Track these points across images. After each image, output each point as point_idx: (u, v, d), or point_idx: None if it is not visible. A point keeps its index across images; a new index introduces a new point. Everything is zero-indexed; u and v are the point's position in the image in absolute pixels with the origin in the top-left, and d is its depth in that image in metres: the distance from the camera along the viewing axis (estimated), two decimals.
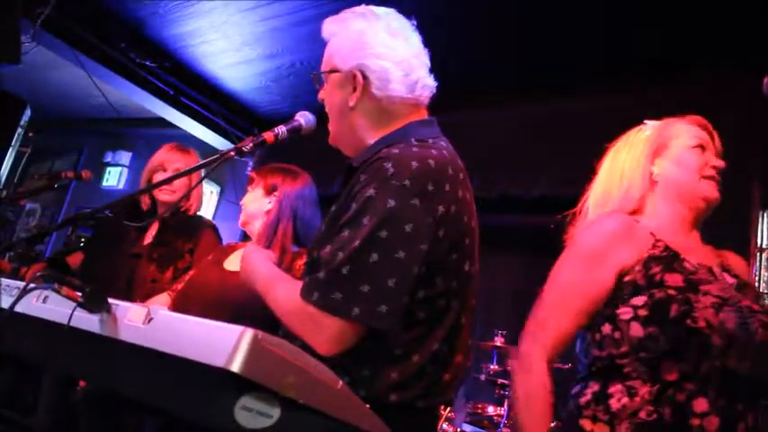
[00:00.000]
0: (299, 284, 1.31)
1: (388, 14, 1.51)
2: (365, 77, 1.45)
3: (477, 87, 3.97)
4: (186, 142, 2.84)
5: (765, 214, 3.25)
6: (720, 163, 1.51)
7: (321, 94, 1.57)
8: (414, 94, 1.47)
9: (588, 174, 1.67)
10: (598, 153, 1.68)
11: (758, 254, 3.16)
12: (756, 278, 3.12)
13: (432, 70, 1.52)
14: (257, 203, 2.27)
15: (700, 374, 1.28)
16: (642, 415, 1.28)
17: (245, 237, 2.63)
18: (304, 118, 1.67)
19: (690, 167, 1.50)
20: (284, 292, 1.37)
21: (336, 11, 1.53)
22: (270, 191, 2.27)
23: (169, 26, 4.15)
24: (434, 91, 1.53)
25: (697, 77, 3.36)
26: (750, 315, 1.30)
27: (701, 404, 1.26)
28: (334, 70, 1.50)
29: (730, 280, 1.43)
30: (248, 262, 1.55)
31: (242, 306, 1.94)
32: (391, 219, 1.24)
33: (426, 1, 3.18)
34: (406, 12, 1.53)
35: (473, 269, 1.43)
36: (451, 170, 1.35)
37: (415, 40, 1.52)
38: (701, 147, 1.52)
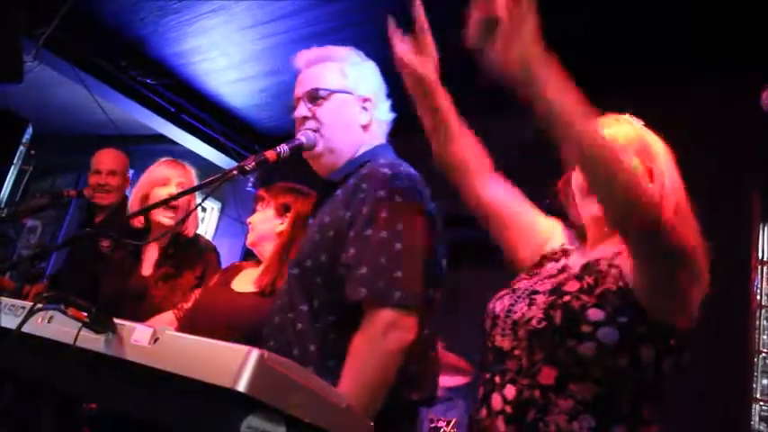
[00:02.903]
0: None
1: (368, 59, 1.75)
2: (367, 100, 1.67)
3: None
4: (187, 159, 2.83)
5: (766, 227, 3.25)
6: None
7: (312, 109, 1.70)
8: (387, 117, 1.73)
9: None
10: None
11: (759, 267, 3.16)
12: (758, 292, 3.12)
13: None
14: (268, 224, 2.22)
15: (483, 353, 1.46)
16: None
17: (247, 254, 2.61)
18: (305, 136, 1.69)
19: None
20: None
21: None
22: (282, 212, 2.22)
23: (170, 44, 4.19)
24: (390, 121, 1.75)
25: (697, 89, 3.36)
26: (523, 297, 1.40)
27: (482, 376, 1.43)
28: (344, 91, 1.66)
29: (551, 269, 1.49)
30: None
31: (254, 328, 1.92)
32: (403, 212, 1.41)
33: None
34: None
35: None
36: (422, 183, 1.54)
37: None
38: None
